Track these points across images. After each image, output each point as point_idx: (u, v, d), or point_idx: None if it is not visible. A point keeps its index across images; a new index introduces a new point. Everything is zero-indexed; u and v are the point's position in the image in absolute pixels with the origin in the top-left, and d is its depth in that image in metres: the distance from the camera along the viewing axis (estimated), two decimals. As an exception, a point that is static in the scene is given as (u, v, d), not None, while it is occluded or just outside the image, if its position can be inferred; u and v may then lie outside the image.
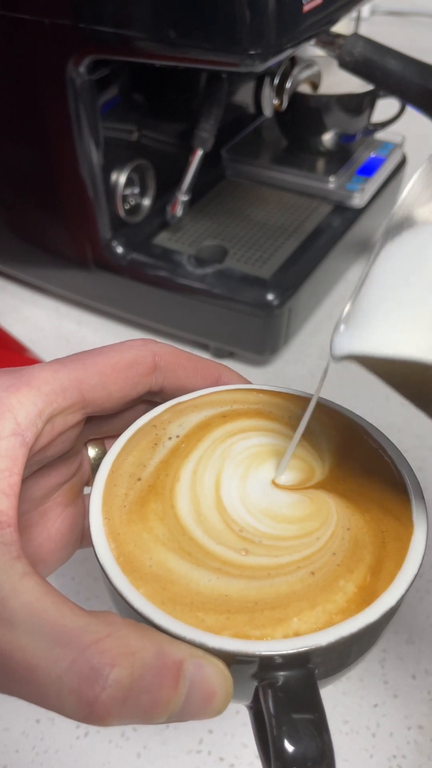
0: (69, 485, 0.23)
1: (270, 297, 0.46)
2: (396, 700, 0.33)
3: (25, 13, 0.39)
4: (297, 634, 0.16)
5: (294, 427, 0.21)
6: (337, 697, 0.33)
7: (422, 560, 0.18)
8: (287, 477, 0.20)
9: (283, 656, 0.16)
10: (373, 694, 0.33)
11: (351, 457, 0.21)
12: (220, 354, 0.52)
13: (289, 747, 0.15)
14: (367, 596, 0.17)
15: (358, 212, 0.55)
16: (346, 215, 0.54)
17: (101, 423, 0.22)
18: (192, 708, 0.15)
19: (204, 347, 0.53)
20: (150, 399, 0.23)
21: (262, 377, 0.51)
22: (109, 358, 0.21)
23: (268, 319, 0.47)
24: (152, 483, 0.19)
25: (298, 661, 0.16)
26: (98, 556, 0.18)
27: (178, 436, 0.20)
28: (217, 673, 0.15)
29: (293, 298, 0.47)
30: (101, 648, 0.14)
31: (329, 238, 0.52)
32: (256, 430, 0.21)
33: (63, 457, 0.21)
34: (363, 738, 0.32)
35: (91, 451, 0.23)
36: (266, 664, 0.16)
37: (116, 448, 0.20)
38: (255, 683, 0.16)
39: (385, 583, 0.17)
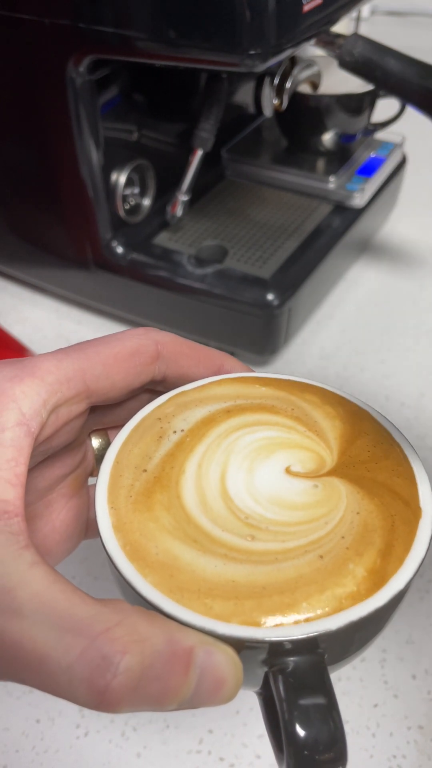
0: (73, 476, 0.22)
1: (270, 297, 0.46)
2: (396, 700, 0.33)
3: (25, 13, 0.39)
4: (307, 620, 0.16)
5: (297, 419, 0.21)
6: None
7: (430, 543, 0.18)
8: (298, 467, 0.20)
9: (292, 642, 0.15)
10: (373, 694, 0.33)
11: (358, 443, 0.21)
12: (220, 354, 0.52)
13: (301, 732, 0.15)
14: (377, 580, 0.17)
15: (358, 212, 0.55)
16: (346, 215, 0.54)
17: (105, 413, 0.22)
18: (202, 695, 0.15)
19: (204, 347, 0.53)
20: (153, 388, 0.22)
21: (262, 377, 0.51)
22: (111, 347, 0.20)
23: (268, 319, 0.47)
24: (158, 474, 0.19)
25: (308, 646, 0.16)
26: (105, 544, 0.18)
27: (183, 430, 0.21)
28: (228, 660, 0.15)
29: (293, 298, 0.47)
30: (111, 636, 0.14)
31: (329, 238, 0.52)
32: (260, 424, 0.21)
33: (67, 447, 0.21)
34: (363, 738, 0.32)
35: (95, 442, 0.23)
36: (276, 650, 0.16)
37: (120, 438, 0.20)
38: (265, 669, 0.16)
39: (395, 566, 0.17)
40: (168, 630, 0.15)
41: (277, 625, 0.16)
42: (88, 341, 0.21)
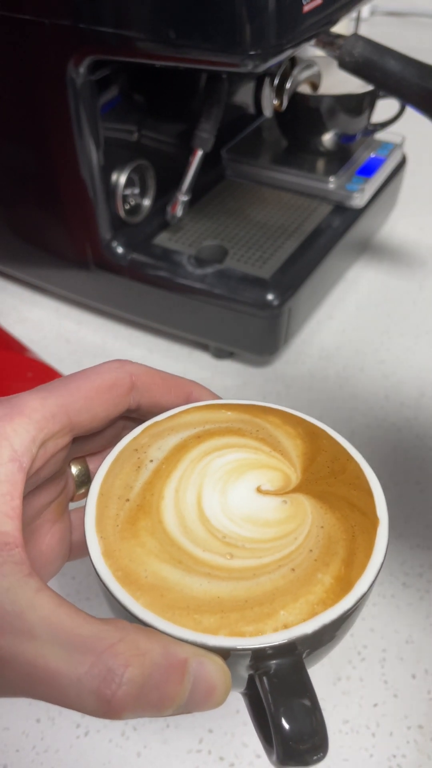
0: (56, 502, 0.24)
1: (270, 297, 0.46)
2: (396, 700, 0.33)
3: (26, 14, 0.39)
4: (285, 626, 0.18)
5: (263, 440, 0.23)
6: (337, 697, 0.33)
7: (387, 548, 0.20)
8: (267, 486, 0.21)
9: (273, 647, 0.17)
10: (373, 693, 0.33)
11: (318, 460, 0.22)
12: (220, 354, 0.52)
13: (286, 725, 0.17)
14: (343, 585, 0.19)
15: (358, 212, 0.55)
16: (346, 215, 0.54)
17: (84, 442, 0.23)
18: (196, 701, 0.17)
19: (204, 347, 0.53)
20: (127, 415, 0.24)
21: (262, 377, 0.51)
22: (91, 381, 0.22)
23: (268, 319, 0.47)
24: (140, 503, 0.21)
25: (288, 649, 0.17)
26: (98, 572, 0.19)
27: (158, 459, 0.22)
28: (217, 669, 0.17)
29: (293, 298, 0.47)
30: (115, 651, 0.16)
31: (329, 239, 0.52)
32: (229, 447, 0.22)
33: (52, 477, 0.22)
34: (363, 737, 0.32)
35: (74, 469, 0.24)
36: (260, 656, 0.17)
37: (102, 471, 0.22)
38: (250, 672, 0.18)
39: (358, 572, 0.19)
40: (164, 644, 0.17)
41: (259, 634, 0.17)
42: (68, 376, 0.22)
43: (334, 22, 0.40)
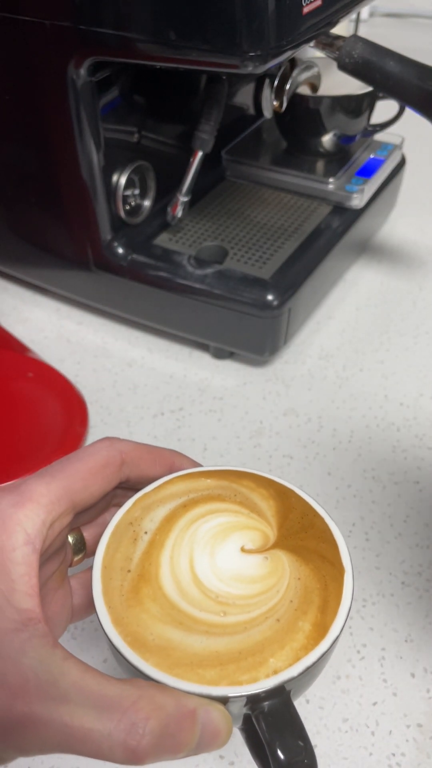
0: (58, 571, 0.25)
1: (270, 297, 0.47)
2: (395, 699, 0.33)
3: (26, 15, 0.39)
4: (275, 672, 0.20)
5: (241, 503, 0.26)
6: (337, 695, 0.33)
7: (353, 593, 0.23)
8: (249, 545, 0.24)
9: (266, 691, 0.20)
10: (372, 692, 0.34)
11: (290, 517, 0.25)
12: (220, 354, 0.53)
13: (281, 755, 0.20)
14: (320, 630, 0.21)
15: (358, 213, 0.55)
16: (346, 216, 0.54)
17: (80, 515, 0.25)
18: (203, 744, 0.20)
19: (204, 347, 0.54)
20: (118, 486, 0.26)
21: (262, 377, 0.51)
22: (86, 463, 0.24)
23: (268, 320, 0.47)
24: (140, 572, 0.23)
25: (278, 691, 0.20)
26: (110, 640, 0.21)
27: (151, 530, 0.24)
28: (221, 715, 0.20)
29: (293, 299, 0.48)
30: (137, 708, 0.18)
31: (329, 239, 0.52)
32: (213, 513, 0.25)
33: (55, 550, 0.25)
34: (362, 736, 0.32)
35: (71, 538, 0.26)
36: (255, 699, 0.20)
37: (102, 545, 0.24)
38: (247, 712, 0.21)
39: (331, 617, 0.22)
40: (175, 697, 0.19)
41: (253, 681, 0.20)
42: (65, 459, 0.24)
43: (333, 23, 0.40)
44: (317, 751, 0.32)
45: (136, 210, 0.51)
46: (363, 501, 0.42)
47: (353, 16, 0.46)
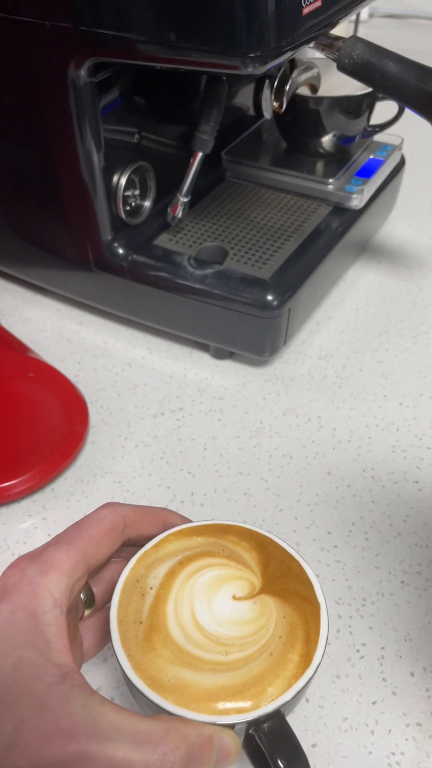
0: (72, 625, 0.28)
1: (270, 297, 0.47)
2: (394, 698, 0.33)
3: (27, 16, 0.40)
4: (272, 699, 0.24)
5: (228, 557, 0.29)
6: (336, 695, 0.33)
7: (329, 625, 0.27)
8: (239, 593, 0.28)
9: (266, 715, 0.24)
10: (371, 691, 0.34)
11: (271, 565, 0.29)
12: (220, 354, 0.53)
13: (281, 765, 0.24)
14: (306, 659, 0.26)
15: (357, 213, 0.55)
16: (345, 216, 0.55)
17: (90, 573, 0.29)
18: (218, 763, 0.24)
19: (204, 347, 0.54)
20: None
21: (262, 377, 0.51)
22: (95, 529, 0.28)
23: (268, 320, 0.47)
24: (150, 623, 0.27)
25: (276, 713, 0.25)
26: (134, 684, 0.25)
27: (156, 586, 0.28)
28: (231, 739, 0.24)
29: (293, 299, 0.48)
30: (167, 740, 0.22)
31: (328, 239, 0.53)
32: (205, 567, 0.29)
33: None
34: (362, 735, 0.32)
35: (82, 595, 0.29)
36: (257, 722, 0.24)
37: (115, 601, 0.27)
38: (251, 732, 0.25)
39: (313, 648, 0.26)
40: (196, 727, 0.23)
41: (256, 708, 0.24)
42: (76, 526, 0.28)
43: (333, 24, 0.40)
44: (317, 750, 0.32)
45: (136, 210, 0.52)
46: (362, 500, 0.42)
47: (353, 17, 0.46)
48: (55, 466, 0.43)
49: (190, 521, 0.31)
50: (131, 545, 0.30)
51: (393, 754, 0.32)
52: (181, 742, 0.22)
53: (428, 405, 0.49)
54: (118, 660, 0.25)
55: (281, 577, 0.28)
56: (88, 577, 0.28)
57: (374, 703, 0.33)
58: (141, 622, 0.27)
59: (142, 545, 0.30)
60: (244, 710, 0.24)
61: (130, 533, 0.29)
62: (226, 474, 0.44)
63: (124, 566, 0.29)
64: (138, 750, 0.22)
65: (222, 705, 0.24)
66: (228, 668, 0.25)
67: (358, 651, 0.35)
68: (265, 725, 0.24)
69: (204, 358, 0.53)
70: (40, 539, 0.41)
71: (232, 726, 0.24)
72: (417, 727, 0.32)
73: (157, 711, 0.24)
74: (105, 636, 0.30)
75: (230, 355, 0.53)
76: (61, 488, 0.44)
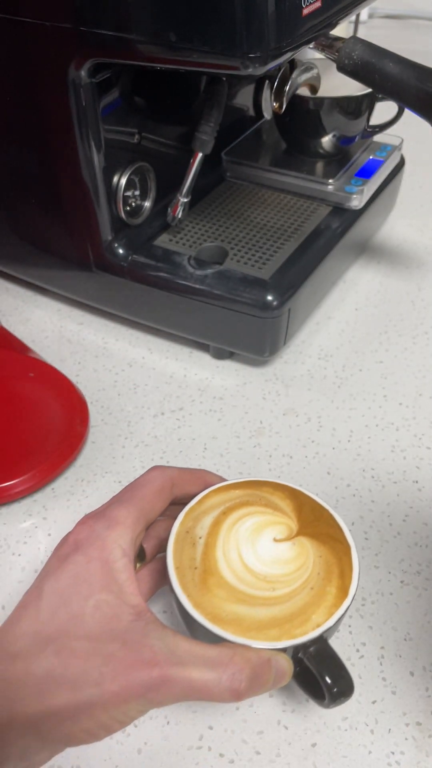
0: None
1: (270, 298, 0.47)
2: (394, 697, 0.33)
3: (27, 17, 0.40)
4: (318, 625, 0.28)
5: (266, 505, 0.33)
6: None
7: (359, 562, 0.30)
8: (279, 536, 0.31)
9: (312, 639, 0.28)
10: (371, 690, 0.34)
11: (304, 511, 0.32)
12: (220, 354, 0.53)
13: (329, 680, 0.27)
14: (342, 592, 0.29)
15: (357, 213, 0.55)
16: (345, 217, 0.55)
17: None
18: (276, 682, 0.27)
19: (204, 347, 0.54)
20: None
21: (262, 377, 0.51)
22: (147, 488, 0.31)
23: (268, 320, 0.47)
24: (204, 568, 0.30)
25: (321, 638, 0.28)
26: (196, 619, 0.28)
27: (204, 535, 0.31)
28: (286, 661, 0.28)
29: (293, 299, 0.48)
30: (234, 662, 0.26)
31: (328, 240, 0.53)
32: (246, 515, 0.32)
33: None
34: (361, 734, 0.32)
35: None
36: (305, 646, 0.28)
37: (170, 551, 0.30)
38: (300, 656, 0.28)
39: (348, 580, 0.29)
40: (256, 652, 0.27)
41: (304, 634, 0.28)
42: (130, 488, 0.31)
43: (333, 25, 0.41)
44: (317, 750, 0.32)
45: (136, 211, 0.52)
46: (362, 500, 0.42)
47: (352, 17, 0.46)
48: (56, 466, 0.43)
49: (225, 480, 0.34)
50: (176, 503, 0.33)
51: (393, 753, 0.32)
52: (246, 664, 0.26)
53: (428, 405, 0.49)
54: (179, 601, 0.28)
55: (314, 521, 0.32)
56: None
57: (374, 702, 0.33)
58: (196, 568, 0.30)
59: (186, 504, 0.32)
60: (294, 636, 0.27)
61: (177, 492, 0.32)
62: (226, 474, 0.44)
63: (171, 523, 0.32)
64: (211, 671, 0.26)
65: (274, 633, 0.28)
66: (276, 602, 0.29)
67: (357, 650, 0.35)
68: (311, 648, 0.28)
69: (204, 358, 0.53)
70: (41, 539, 0.41)
71: (284, 650, 0.27)
72: (417, 726, 0.32)
73: (219, 642, 0.27)
74: (155, 585, 0.33)
75: (230, 355, 0.53)
76: (61, 488, 0.44)
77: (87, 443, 0.46)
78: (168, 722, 0.33)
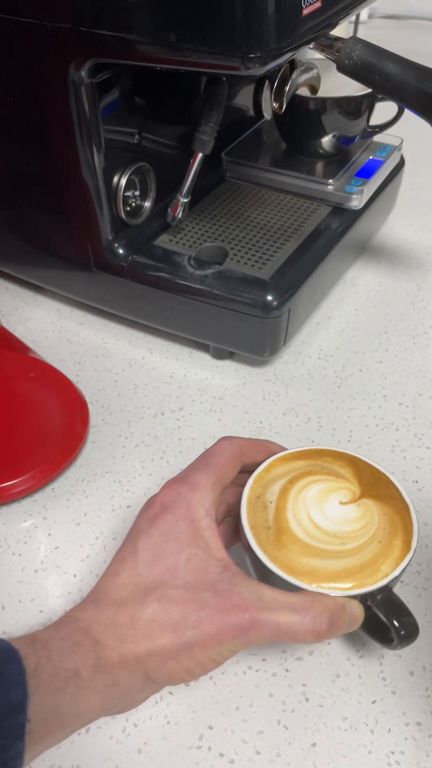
0: None
1: (270, 298, 0.47)
2: (394, 697, 0.33)
3: (27, 17, 0.40)
4: (386, 575, 0.31)
5: (328, 473, 0.35)
6: (336, 694, 0.34)
7: (417, 519, 0.33)
8: (344, 499, 0.34)
9: (381, 587, 0.30)
10: (371, 690, 0.34)
11: (363, 476, 0.35)
12: (220, 354, 0.53)
13: (397, 624, 0.30)
14: (406, 544, 0.32)
15: (357, 214, 0.55)
16: (345, 217, 0.55)
17: None
18: (350, 626, 0.30)
19: (204, 348, 0.54)
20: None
21: (262, 377, 0.51)
22: (220, 457, 0.34)
23: (268, 320, 0.47)
24: (277, 527, 0.33)
25: (388, 586, 0.31)
26: (273, 571, 0.30)
27: (274, 500, 0.34)
28: (358, 607, 0.30)
29: (293, 299, 0.48)
30: (314, 607, 0.29)
31: (328, 240, 0.53)
32: (312, 483, 0.35)
33: None
34: (361, 734, 0.32)
35: None
36: (375, 593, 0.30)
37: (244, 513, 0.33)
38: (369, 603, 0.31)
39: (410, 535, 0.32)
40: (331, 598, 0.30)
41: (374, 583, 0.30)
42: (203, 457, 0.34)
43: (332, 25, 0.41)
44: (317, 750, 0.32)
45: (136, 211, 0.52)
46: (362, 500, 0.42)
47: (352, 17, 0.47)
48: (56, 466, 0.43)
49: (287, 449, 0.36)
50: (243, 471, 0.35)
51: (393, 753, 0.32)
52: (324, 609, 0.29)
53: (428, 405, 0.49)
54: (256, 556, 0.31)
55: (374, 484, 0.34)
56: None
57: (374, 702, 0.33)
58: (269, 528, 0.33)
59: (252, 471, 0.35)
60: (364, 585, 0.30)
61: (245, 459, 0.35)
62: (226, 474, 0.44)
63: (239, 490, 0.34)
64: (294, 615, 0.28)
65: (346, 582, 0.30)
66: (347, 555, 0.31)
67: (357, 650, 0.35)
68: (379, 596, 0.30)
69: (204, 358, 0.53)
70: (41, 539, 0.41)
71: (356, 597, 0.30)
72: (416, 726, 0.32)
73: (293, 590, 0.30)
74: (226, 545, 0.34)
75: (230, 355, 0.53)
76: (61, 488, 0.44)
77: (87, 443, 0.46)
78: (168, 722, 0.33)
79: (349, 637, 0.36)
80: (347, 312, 0.58)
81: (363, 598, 0.31)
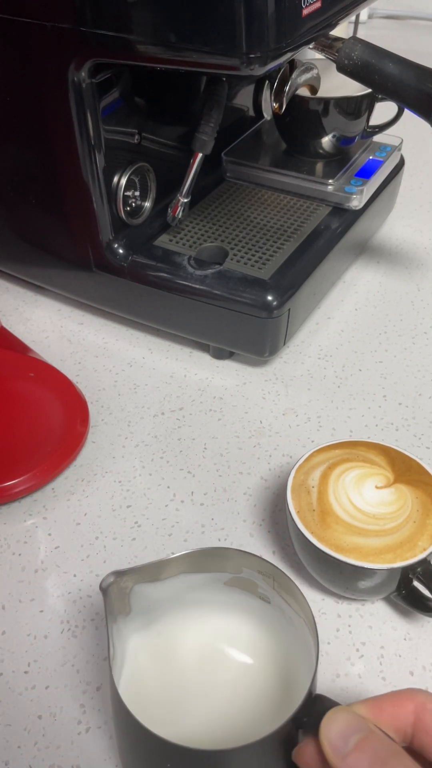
0: None
1: (270, 298, 0.47)
2: (394, 696, 0.33)
3: (28, 17, 0.40)
4: (423, 549, 0.33)
5: (364, 460, 0.38)
6: (336, 693, 0.34)
7: None
8: (380, 485, 0.37)
9: (420, 561, 0.33)
10: (371, 690, 0.34)
11: (396, 464, 0.38)
12: (220, 354, 0.53)
13: None
14: None
15: (357, 214, 0.55)
16: (345, 217, 0.55)
17: None
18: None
19: (204, 348, 0.54)
20: None
21: (262, 377, 0.51)
22: None
23: (268, 320, 0.47)
24: (321, 509, 0.35)
25: (425, 560, 0.33)
26: (321, 549, 0.33)
27: (316, 485, 0.37)
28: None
29: (293, 299, 0.48)
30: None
31: (328, 240, 0.53)
32: (349, 469, 0.37)
33: None
34: (361, 733, 0.32)
35: None
36: (415, 567, 0.33)
37: (289, 498, 0.36)
38: (410, 576, 0.34)
39: None
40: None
41: (414, 556, 0.33)
42: None
43: (332, 25, 0.41)
44: (317, 749, 0.32)
45: (136, 211, 0.52)
46: (362, 500, 0.42)
47: (352, 18, 0.47)
48: (56, 466, 0.43)
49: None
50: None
51: (392, 752, 0.32)
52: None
53: (427, 405, 0.49)
54: (304, 537, 0.34)
55: (407, 471, 0.37)
56: None
57: (374, 701, 0.33)
58: (314, 510, 0.35)
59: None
60: (405, 558, 0.33)
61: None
62: (226, 474, 0.44)
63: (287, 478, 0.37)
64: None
65: (389, 557, 0.33)
66: (387, 533, 0.34)
67: (357, 650, 0.35)
68: (419, 568, 0.33)
69: (204, 358, 0.53)
70: (41, 538, 0.41)
71: (398, 570, 0.33)
72: (416, 725, 0.32)
73: (343, 566, 0.33)
74: None
75: (230, 355, 0.53)
76: (61, 488, 0.44)
77: (87, 443, 0.46)
78: (168, 722, 0.33)
79: (349, 637, 0.36)
80: (347, 312, 0.58)
81: (405, 571, 0.33)
